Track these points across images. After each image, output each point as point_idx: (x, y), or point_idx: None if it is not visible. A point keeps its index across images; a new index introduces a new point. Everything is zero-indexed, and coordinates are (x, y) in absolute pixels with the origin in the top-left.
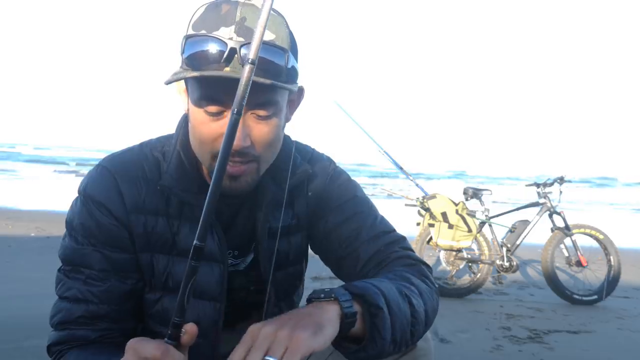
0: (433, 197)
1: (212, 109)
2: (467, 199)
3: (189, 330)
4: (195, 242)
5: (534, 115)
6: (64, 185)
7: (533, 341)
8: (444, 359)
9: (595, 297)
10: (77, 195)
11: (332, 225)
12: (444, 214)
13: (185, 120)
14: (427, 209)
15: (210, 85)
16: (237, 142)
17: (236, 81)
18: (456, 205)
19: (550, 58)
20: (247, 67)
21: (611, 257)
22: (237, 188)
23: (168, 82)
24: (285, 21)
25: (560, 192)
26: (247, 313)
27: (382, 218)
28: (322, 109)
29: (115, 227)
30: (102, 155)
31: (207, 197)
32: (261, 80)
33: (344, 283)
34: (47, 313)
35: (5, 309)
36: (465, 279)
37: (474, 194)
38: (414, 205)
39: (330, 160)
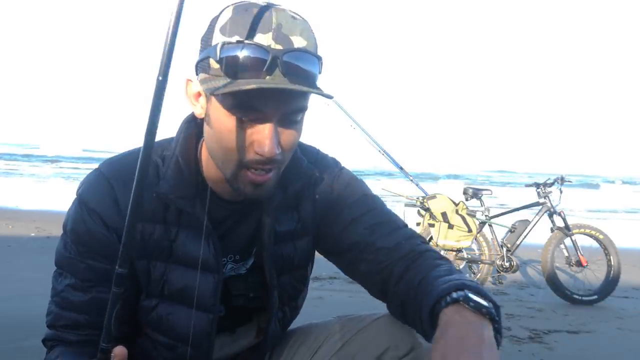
0: (433, 197)
1: (251, 116)
2: (467, 199)
3: (118, 353)
4: (117, 268)
5: (544, 114)
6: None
7: (533, 341)
8: None
9: (595, 297)
10: (75, 197)
11: (344, 224)
12: (444, 214)
13: (186, 124)
14: (427, 209)
15: (250, 95)
16: (272, 150)
17: (284, 90)
18: (456, 205)
19: (560, 55)
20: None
21: (611, 257)
22: (260, 194)
23: (216, 93)
24: (309, 25)
25: (561, 192)
26: (247, 317)
27: (395, 214)
28: (320, 109)
29: (105, 237)
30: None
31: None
32: (305, 89)
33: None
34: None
35: (5, 309)
36: None
37: (474, 194)
38: (414, 205)
39: (335, 162)
